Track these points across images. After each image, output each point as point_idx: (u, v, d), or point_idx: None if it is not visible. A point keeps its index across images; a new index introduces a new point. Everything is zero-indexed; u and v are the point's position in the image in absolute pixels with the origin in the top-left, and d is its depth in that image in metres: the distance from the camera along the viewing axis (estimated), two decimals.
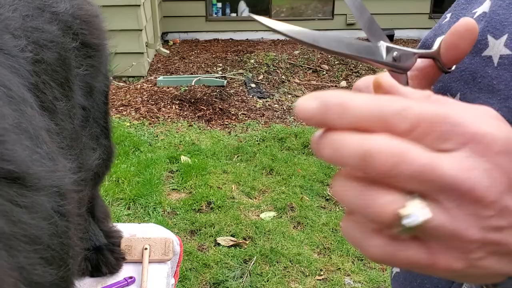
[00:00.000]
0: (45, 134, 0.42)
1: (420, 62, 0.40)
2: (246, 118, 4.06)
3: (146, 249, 1.28)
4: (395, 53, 0.40)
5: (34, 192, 0.33)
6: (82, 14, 0.85)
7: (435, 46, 0.39)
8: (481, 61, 0.50)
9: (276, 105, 4.40)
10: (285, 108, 4.33)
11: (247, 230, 2.53)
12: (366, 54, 0.39)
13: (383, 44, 0.40)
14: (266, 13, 6.87)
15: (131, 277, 1.21)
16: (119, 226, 1.43)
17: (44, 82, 0.57)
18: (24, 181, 0.32)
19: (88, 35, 0.88)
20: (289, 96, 4.67)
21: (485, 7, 0.52)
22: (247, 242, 2.45)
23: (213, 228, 2.53)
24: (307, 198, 2.85)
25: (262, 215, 2.67)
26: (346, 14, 6.85)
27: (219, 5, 6.81)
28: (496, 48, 0.48)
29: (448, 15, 0.64)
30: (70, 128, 0.65)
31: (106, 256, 1.25)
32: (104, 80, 1.01)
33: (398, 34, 6.87)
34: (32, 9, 0.65)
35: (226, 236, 2.48)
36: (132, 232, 1.38)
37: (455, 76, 0.53)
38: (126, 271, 1.24)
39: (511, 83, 0.47)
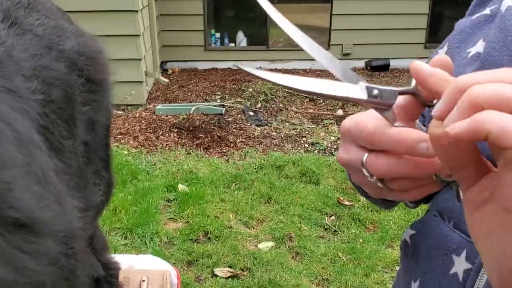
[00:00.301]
0: (53, 175, 0.42)
1: (401, 98, 0.42)
2: (244, 146, 4.07)
3: (144, 281, 1.27)
4: (375, 92, 0.41)
5: (41, 238, 0.34)
6: (87, 51, 0.87)
7: (413, 83, 0.41)
8: None
9: (274, 133, 4.43)
10: (283, 136, 4.35)
11: (245, 261, 2.50)
12: (348, 94, 0.41)
13: (362, 85, 0.42)
14: (264, 43, 6.99)
15: None
16: (117, 257, 1.42)
17: (53, 121, 0.58)
18: (32, 227, 0.33)
19: (92, 71, 0.90)
20: (287, 124, 4.71)
21: (478, 48, 0.54)
22: (245, 273, 2.43)
23: (210, 258, 2.50)
24: (306, 228, 2.84)
25: (260, 245, 2.65)
26: (342, 45, 6.97)
27: (218, 35, 6.94)
28: None
29: (440, 51, 0.66)
30: (76, 166, 0.66)
31: None
32: (106, 114, 1.03)
33: (394, 63, 6.98)
34: (41, 48, 0.67)
35: (224, 267, 2.45)
36: (130, 263, 1.38)
37: None
38: None
39: None
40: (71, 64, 0.76)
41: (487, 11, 0.58)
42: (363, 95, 0.42)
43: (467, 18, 0.61)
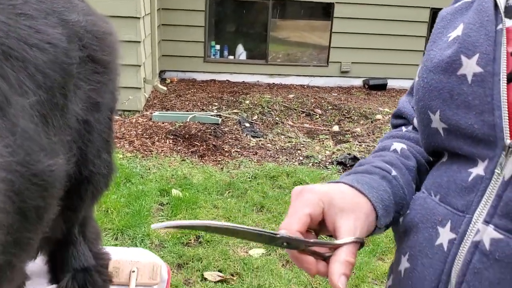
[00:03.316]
0: None
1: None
2: (239, 156, 4.08)
3: (133, 271, 1.27)
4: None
5: None
6: (95, 30, 0.87)
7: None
8: (457, 79, 0.54)
9: (269, 145, 4.44)
10: (278, 148, 4.37)
11: (235, 266, 2.49)
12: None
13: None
14: (263, 57, 7.06)
15: None
16: (108, 249, 1.41)
17: (5, 77, 0.60)
18: None
19: (98, 51, 0.91)
20: (282, 136, 4.73)
21: (458, 31, 0.57)
22: (235, 278, 2.41)
23: (201, 262, 2.49)
24: None
25: (251, 252, 2.64)
26: (340, 62, 7.05)
27: (218, 47, 7.00)
28: (469, 67, 0.53)
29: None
30: (29, 129, 0.68)
31: (93, 277, 1.23)
32: (111, 96, 1.03)
33: (391, 83, 7.07)
34: (35, 10, 0.70)
35: (214, 271, 2.44)
36: (120, 255, 1.37)
37: (434, 94, 0.57)
38: None
39: (484, 98, 0.51)
40: (73, 36, 0.77)
41: None
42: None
43: (450, 7, 0.64)
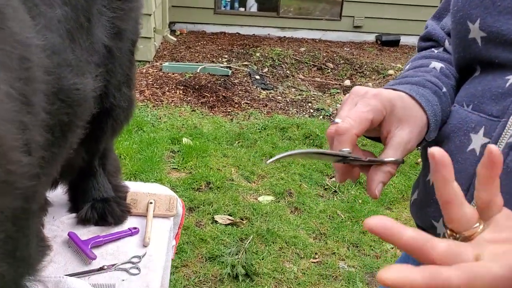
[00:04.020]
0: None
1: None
2: (249, 107, 4.09)
3: (151, 203, 1.31)
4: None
5: None
6: None
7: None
8: None
9: (279, 97, 4.43)
10: (288, 100, 4.36)
11: (244, 211, 2.55)
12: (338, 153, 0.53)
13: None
14: (275, 10, 6.91)
15: (135, 228, 1.23)
16: (126, 182, 1.45)
17: None
18: None
19: None
20: (293, 89, 4.71)
21: None
22: (244, 222, 2.48)
23: (211, 206, 2.55)
24: (306, 186, 2.88)
25: (260, 198, 2.69)
26: (353, 17, 6.89)
27: None
28: None
29: None
30: (57, 42, 0.68)
31: (112, 207, 1.27)
32: (133, 27, 1.03)
33: (404, 40, 6.92)
34: None
35: (224, 215, 2.50)
36: (138, 188, 1.41)
37: (475, 3, 0.56)
38: (131, 223, 1.26)
39: None
40: None
41: None
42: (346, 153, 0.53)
43: None
